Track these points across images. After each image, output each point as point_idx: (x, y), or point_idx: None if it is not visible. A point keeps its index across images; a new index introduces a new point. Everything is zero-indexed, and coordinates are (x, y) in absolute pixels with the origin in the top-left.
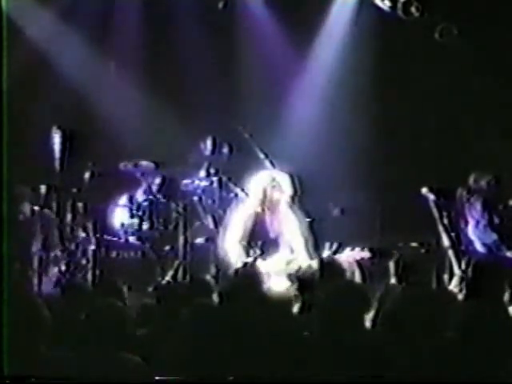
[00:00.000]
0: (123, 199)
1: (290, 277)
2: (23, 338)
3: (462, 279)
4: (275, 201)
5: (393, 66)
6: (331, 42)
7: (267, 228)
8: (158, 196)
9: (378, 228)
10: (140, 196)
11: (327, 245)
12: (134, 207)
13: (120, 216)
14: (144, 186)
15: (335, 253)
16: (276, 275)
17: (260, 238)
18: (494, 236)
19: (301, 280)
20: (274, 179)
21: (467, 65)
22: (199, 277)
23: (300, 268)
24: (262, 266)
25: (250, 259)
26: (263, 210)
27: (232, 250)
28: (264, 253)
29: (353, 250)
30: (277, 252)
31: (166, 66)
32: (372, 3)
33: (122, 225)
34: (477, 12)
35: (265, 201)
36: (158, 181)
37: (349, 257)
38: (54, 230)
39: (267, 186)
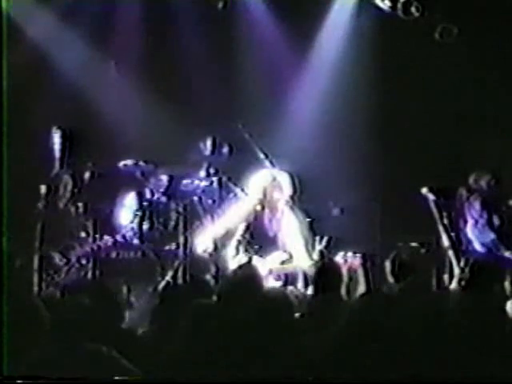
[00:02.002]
0: (129, 198)
1: (283, 276)
2: (23, 338)
3: (461, 279)
4: (275, 200)
5: (393, 65)
6: (331, 42)
7: (265, 227)
8: (158, 196)
9: (377, 228)
10: (140, 196)
11: (318, 239)
12: (135, 207)
13: (126, 215)
14: (144, 185)
15: (326, 247)
16: (270, 274)
17: (258, 237)
18: (492, 235)
19: (296, 279)
20: (274, 179)
21: (467, 65)
22: (199, 277)
23: (295, 268)
24: (258, 264)
25: (245, 257)
26: (263, 208)
27: (229, 246)
28: (261, 251)
29: (345, 255)
30: (274, 251)
31: (166, 65)
32: (372, 3)
33: (131, 222)
34: (477, 12)
35: (264, 200)
36: (157, 181)
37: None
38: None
39: (268, 185)
